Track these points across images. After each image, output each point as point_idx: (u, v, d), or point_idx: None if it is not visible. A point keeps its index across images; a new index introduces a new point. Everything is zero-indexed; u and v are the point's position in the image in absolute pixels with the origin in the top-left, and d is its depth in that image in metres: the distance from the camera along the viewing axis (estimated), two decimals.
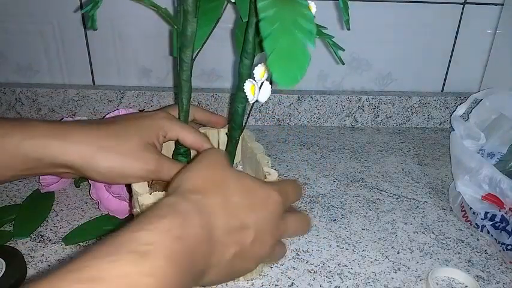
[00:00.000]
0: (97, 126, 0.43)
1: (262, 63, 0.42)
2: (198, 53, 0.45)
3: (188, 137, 0.46)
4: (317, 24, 0.46)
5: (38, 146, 0.40)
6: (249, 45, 0.42)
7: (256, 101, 0.43)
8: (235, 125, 0.48)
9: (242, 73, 0.44)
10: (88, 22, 0.41)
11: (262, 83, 0.42)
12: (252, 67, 0.43)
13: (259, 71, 0.41)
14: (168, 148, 0.50)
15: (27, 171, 0.42)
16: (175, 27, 0.43)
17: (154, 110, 0.49)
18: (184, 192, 0.33)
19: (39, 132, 0.41)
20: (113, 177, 0.42)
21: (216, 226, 0.32)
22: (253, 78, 0.42)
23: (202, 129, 0.53)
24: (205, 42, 0.46)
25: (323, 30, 0.49)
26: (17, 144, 0.40)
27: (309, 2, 0.33)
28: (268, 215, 0.36)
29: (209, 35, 0.46)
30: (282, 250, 0.41)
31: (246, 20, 0.42)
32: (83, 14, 0.73)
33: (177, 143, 0.48)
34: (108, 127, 0.43)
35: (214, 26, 0.46)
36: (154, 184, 0.47)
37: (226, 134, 0.51)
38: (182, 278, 0.28)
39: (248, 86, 0.42)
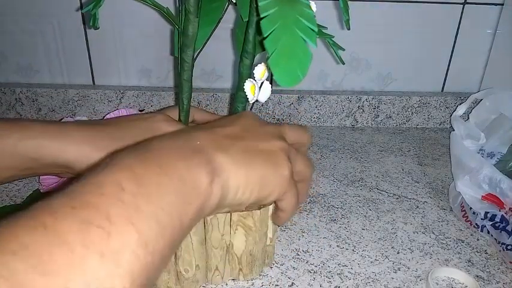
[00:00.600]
0: (94, 127, 0.44)
1: (262, 63, 0.42)
2: (199, 53, 0.45)
3: None
4: (317, 24, 0.46)
5: (35, 146, 0.40)
6: (249, 45, 0.42)
7: (256, 100, 0.43)
8: None
9: (242, 73, 0.44)
10: (90, 21, 0.41)
11: (262, 83, 0.42)
12: (252, 67, 0.43)
13: (259, 71, 0.41)
14: None
15: (25, 171, 0.42)
16: (177, 27, 0.43)
17: (152, 112, 0.49)
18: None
19: (37, 132, 0.41)
20: None
21: (195, 133, 0.32)
22: (253, 78, 0.42)
23: None
24: (206, 43, 0.46)
25: (323, 30, 0.49)
26: (15, 145, 0.40)
27: (309, 1, 0.33)
28: (246, 121, 0.36)
29: (210, 35, 0.46)
30: (303, 157, 0.38)
31: (247, 19, 0.42)
32: (83, 14, 0.73)
33: None
34: (105, 128, 0.44)
35: (216, 26, 0.46)
36: None
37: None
38: (164, 169, 0.27)
39: (248, 86, 0.42)
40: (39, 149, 0.40)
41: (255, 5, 0.39)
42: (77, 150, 0.41)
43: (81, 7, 0.72)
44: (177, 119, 0.49)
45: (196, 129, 0.34)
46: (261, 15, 0.31)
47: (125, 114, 0.54)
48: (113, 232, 0.22)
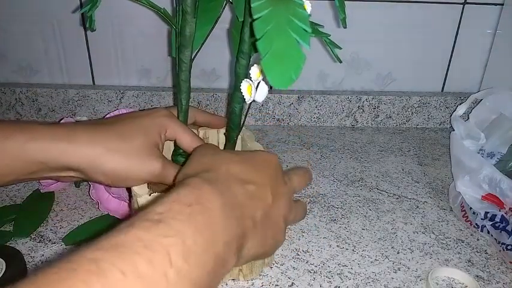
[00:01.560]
0: (100, 127, 0.42)
1: (258, 64, 0.42)
2: (196, 54, 0.45)
3: (186, 138, 0.45)
4: (313, 23, 0.45)
5: (42, 149, 0.39)
6: (245, 45, 0.42)
7: (253, 101, 0.43)
8: (232, 125, 0.48)
9: (239, 73, 0.44)
10: (87, 23, 0.41)
11: (258, 83, 0.42)
12: (248, 67, 0.43)
13: (256, 71, 0.41)
14: (167, 148, 0.50)
15: (28, 176, 0.41)
16: (174, 27, 0.43)
17: (154, 108, 0.49)
18: (186, 175, 0.33)
19: (43, 134, 0.40)
20: (117, 179, 0.42)
21: (234, 190, 0.32)
22: (250, 78, 0.42)
23: (201, 130, 0.53)
24: (204, 43, 0.46)
25: (319, 29, 0.49)
26: (20, 147, 0.39)
27: (304, 1, 0.33)
28: (273, 173, 0.37)
29: (208, 35, 0.46)
30: (302, 206, 0.42)
31: (242, 19, 0.42)
32: (82, 14, 0.73)
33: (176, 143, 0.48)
34: (111, 127, 0.43)
35: (213, 27, 0.46)
36: (152, 186, 0.47)
37: (224, 134, 0.51)
38: (210, 241, 0.28)
39: (245, 86, 0.41)
40: (46, 151, 0.39)
41: (249, 6, 0.39)
42: (85, 151, 0.40)
43: (81, 7, 0.72)
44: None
45: (238, 185, 0.34)
46: (254, 17, 0.31)
47: None
48: None
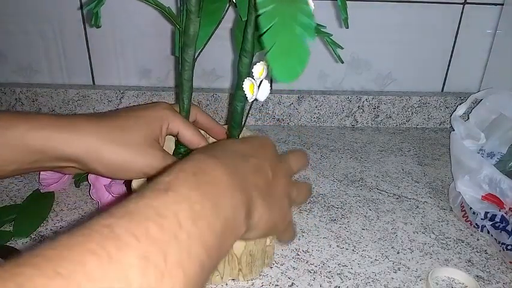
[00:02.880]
0: (102, 118, 0.43)
1: (261, 62, 0.42)
2: (200, 53, 0.45)
3: (187, 132, 0.45)
4: (315, 23, 0.46)
5: (42, 138, 0.39)
6: (248, 44, 0.42)
7: (256, 99, 0.43)
8: (234, 123, 0.48)
9: (241, 72, 0.44)
10: (91, 19, 0.41)
11: (261, 82, 0.42)
12: (250, 66, 0.43)
13: (258, 70, 0.41)
14: (168, 148, 0.50)
15: (29, 165, 0.41)
16: (178, 26, 0.43)
17: (154, 102, 0.49)
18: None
19: (45, 123, 0.40)
20: (118, 171, 0.42)
21: (236, 162, 0.33)
22: (252, 77, 0.42)
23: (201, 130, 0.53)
24: (207, 42, 0.46)
25: (321, 29, 0.49)
26: (22, 136, 0.39)
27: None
28: (270, 152, 0.38)
29: (211, 35, 0.46)
30: (305, 186, 0.43)
31: (245, 19, 0.42)
32: (83, 14, 0.73)
33: (177, 142, 0.48)
34: (113, 119, 0.43)
35: (217, 26, 0.46)
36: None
37: (225, 133, 0.51)
38: (218, 205, 0.29)
39: (247, 85, 0.42)
40: (48, 140, 0.39)
41: (253, 3, 0.39)
42: (86, 141, 0.40)
43: (81, 7, 0.72)
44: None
45: (240, 159, 0.35)
46: (259, 12, 0.31)
47: None
48: (166, 275, 0.23)
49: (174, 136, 0.47)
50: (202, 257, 0.26)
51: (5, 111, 0.56)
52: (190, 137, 0.46)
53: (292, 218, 0.41)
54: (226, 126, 0.51)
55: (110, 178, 0.50)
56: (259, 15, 0.31)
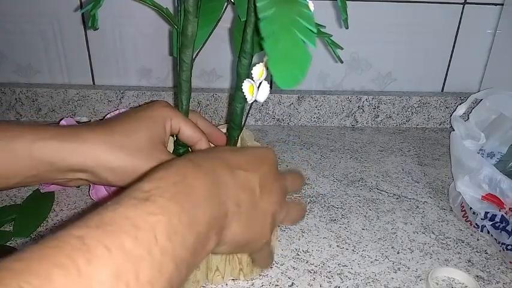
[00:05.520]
0: (104, 126, 0.42)
1: (260, 63, 0.42)
2: (198, 53, 0.45)
3: (188, 128, 0.45)
4: (315, 23, 0.46)
5: (50, 148, 0.38)
6: (247, 45, 0.42)
7: (255, 100, 0.43)
8: (234, 124, 0.48)
9: (240, 73, 0.44)
10: (89, 21, 0.41)
11: (260, 83, 0.42)
12: (250, 67, 0.43)
13: (258, 71, 0.41)
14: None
15: (33, 178, 0.40)
16: (176, 27, 0.43)
17: (151, 101, 0.48)
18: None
19: (51, 134, 0.39)
20: (126, 177, 0.41)
21: (220, 173, 0.33)
22: (252, 78, 0.42)
23: None
24: (205, 43, 0.46)
25: (321, 29, 0.49)
26: (28, 147, 0.38)
27: (307, 1, 0.33)
28: (266, 168, 0.37)
29: (209, 35, 0.46)
30: (298, 207, 0.41)
31: (244, 19, 0.42)
32: (83, 14, 0.73)
33: (176, 143, 0.48)
34: (115, 125, 0.42)
35: (215, 26, 0.46)
36: None
37: (225, 133, 0.51)
38: (193, 219, 0.28)
39: (246, 86, 0.41)
40: (55, 151, 0.38)
41: (253, 5, 0.39)
42: (95, 150, 0.40)
43: (81, 7, 0.72)
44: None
45: (227, 171, 0.34)
46: (259, 16, 0.31)
47: None
48: None
49: (174, 135, 0.47)
50: (172, 273, 0.25)
51: (11, 122, 0.55)
52: (191, 133, 0.45)
53: (271, 243, 0.39)
54: (226, 126, 0.51)
55: (120, 186, 0.50)
56: (259, 20, 0.31)
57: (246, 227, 0.34)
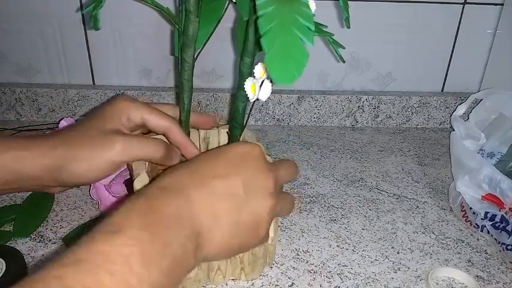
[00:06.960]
0: (63, 132, 0.44)
1: (262, 62, 0.42)
2: (199, 53, 0.45)
3: (152, 117, 0.44)
4: (317, 23, 0.46)
5: (11, 159, 0.40)
6: (250, 44, 0.42)
7: (257, 99, 0.43)
8: (236, 123, 0.48)
9: (243, 72, 0.44)
10: (90, 22, 0.41)
11: (262, 82, 0.42)
12: (252, 65, 0.43)
13: (260, 70, 0.41)
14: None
15: (5, 186, 0.42)
16: (177, 27, 0.43)
17: (113, 97, 0.49)
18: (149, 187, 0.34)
19: (9, 145, 0.41)
20: (95, 174, 0.42)
21: (190, 192, 0.33)
22: (254, 77, 0.42)
23: (202, 130, 0.53)
24: (206, 42, 0.46)
25: (323, 28, 0.49)
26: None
27: (309, 0, 0.33)
28: (250, 164, 0.36)
29: (211, 34, 0.46)
30: (289, 198, 0.41)
31: (247, 18, 0.42)
32: (83, 14, 0.73)
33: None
34: (71, 127, 0.44)
35: (216, 26, 0.46)
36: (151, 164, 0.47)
37: (227, 132, 0.51)
38: (166, 244, 0.29)
39: (249, 85, 0.41)
40: (15, 161, 0.40)
41: (253, 3, 0.39)
42: (42, 159, 0.41)
43: (81, 7, 0.72)
44: (177, 118, 0.48)
45: (202, 186, 0.34)
46: (258, 14, 0.31)
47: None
48: None
49: (140, 127, 0.46)
50: None
51: None
52: (156, 121, 0.44)
53: (269, 229, 0.39)
54: (228, 126, 0.51)
55: (97, 182, 0.50)
56: (258, 17, 0.31)
57: (233, 233, 0.34)
